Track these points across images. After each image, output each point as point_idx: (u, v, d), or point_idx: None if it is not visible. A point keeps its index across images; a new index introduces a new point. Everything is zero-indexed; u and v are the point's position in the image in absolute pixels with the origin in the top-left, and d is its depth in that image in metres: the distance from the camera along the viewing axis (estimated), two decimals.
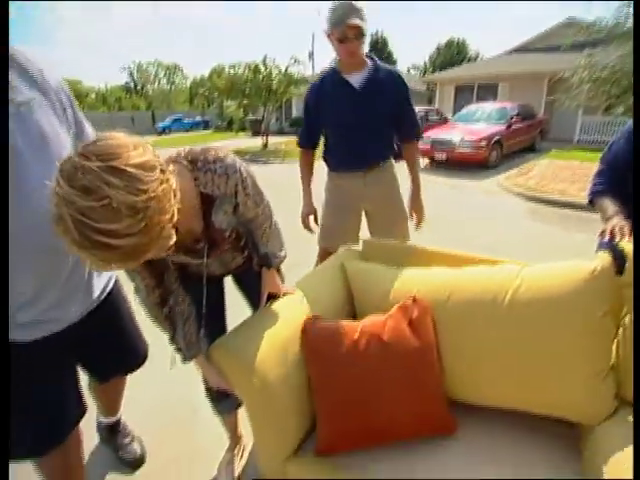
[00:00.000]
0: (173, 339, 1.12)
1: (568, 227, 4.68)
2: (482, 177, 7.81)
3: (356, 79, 1.77)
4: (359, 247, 1.63)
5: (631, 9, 6.20)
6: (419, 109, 11.78)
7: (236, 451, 1.59)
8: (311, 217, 2.09)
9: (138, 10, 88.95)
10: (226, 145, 13.14)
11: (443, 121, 11.52)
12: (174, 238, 0.75)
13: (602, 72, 6.74)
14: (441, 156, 8.66)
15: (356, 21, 1.59)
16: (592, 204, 1.50)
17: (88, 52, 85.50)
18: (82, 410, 1.23)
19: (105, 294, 1.26)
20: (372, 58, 1.82)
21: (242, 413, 1.49)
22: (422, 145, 9.05)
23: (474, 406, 1.24)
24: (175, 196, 0.73)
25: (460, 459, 1.11)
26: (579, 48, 7.72)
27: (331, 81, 1.82)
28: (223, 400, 1.41)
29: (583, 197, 5.99)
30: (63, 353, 1.14)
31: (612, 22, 6.69)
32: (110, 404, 1.65)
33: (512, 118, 9.38)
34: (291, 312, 1.25)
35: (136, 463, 1.61)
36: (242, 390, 1.12)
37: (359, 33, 1.64)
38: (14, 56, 0.91)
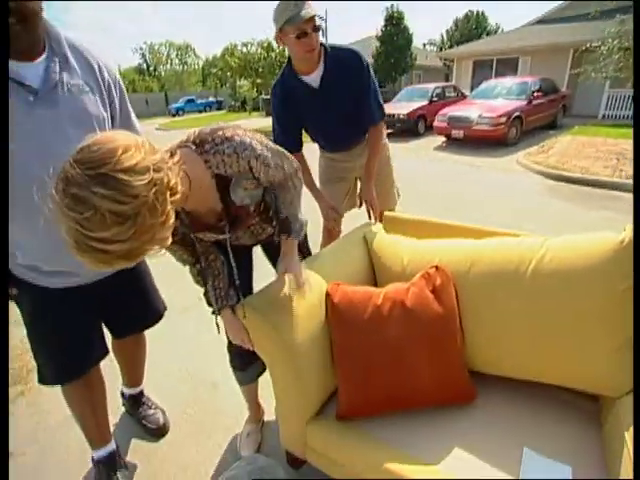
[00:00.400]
0: (206, 293, 1.20)
1: (589, 205, 4.55)
2: (501, 154, 7.60)
3: (313, 78, 1.70)
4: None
5: None
6: (436, 85, 11.46)
7: (256, 422, 1.63)
8: (332, 211, 2.04)
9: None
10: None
11: (461, 98, 11.18)
12: (170, 240, 0.75)
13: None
14: (458, 133, 8.44)
15: (311, 12, 1.48)
16: None
17: (99, 35, 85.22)
18: (103, 352, 1.39)
19: None
20: (323, 45, 1.68)
21: (262, 386, 1.54)
22: (439, 123, 8.85)
23: (495, 377, 1.25)
24: (174, 193, 0.73)
25: (481, 427, 1.13)
26: (609, 15, 7.30)
27: (291, 85, 1.74)
28: (245, 369, 1.45)
29: (607, 174, 5.79)
30: (92, 302, 1.30)
31: None
32: (132, 372, 1.73)
33: (533, 93, 9.02)
34: (315, 278, 1.26)
35: (160, 431, 1.68)
36: (266, 349, 1.15)
37: (316, 25, 1.53)
38: (77, 46, 1.12)
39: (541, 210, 4.44)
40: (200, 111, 26.39)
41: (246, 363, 1.43)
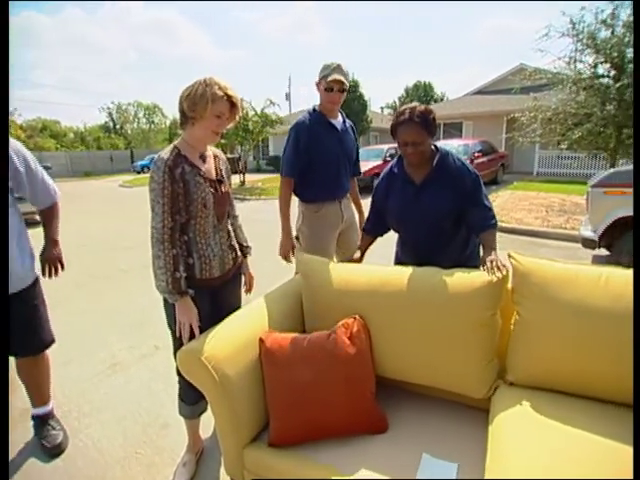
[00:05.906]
0: (175, 278, 1.42)
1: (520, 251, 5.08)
2: None
3: (337, 122, 2.24)
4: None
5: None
6: (389, 147, 12.45)
7: (194, 453, 1.75)
8: (290, 251, 2.25)
9: (121, 52, 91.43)
10: None
11: None
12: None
13: (546, 113, 7.47)
14: None
15: (340, 77, 2.03)
16: None
17: (67, 93, 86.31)
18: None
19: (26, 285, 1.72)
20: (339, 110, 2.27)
21: (204, 421, 1.70)
22: None
23: (405, 393, 1.54)
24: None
25: (389, 441, 1.34)
26: (526, 92, 8.59)
27: (320, 123, 2.16)
28: (192, 405, 1.63)
29: (537, 224, 6.41)
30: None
31: (553, 70, 7.51)
32: (35, 391, 1.90)
33: (474, 154, 10.11)
34: (251, 322, 1.50)
35: (53, 451, 1.81)
36: (204, 385, 1.33)
37: (341, 87, 2.07)
38: None
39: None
40: None
41: (194, 400, 1.60)
